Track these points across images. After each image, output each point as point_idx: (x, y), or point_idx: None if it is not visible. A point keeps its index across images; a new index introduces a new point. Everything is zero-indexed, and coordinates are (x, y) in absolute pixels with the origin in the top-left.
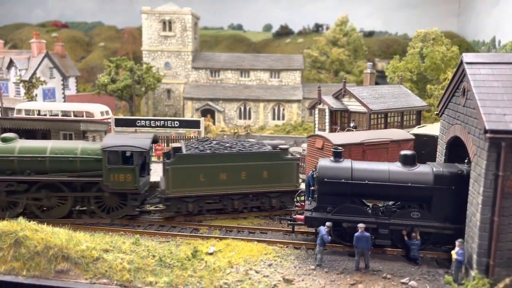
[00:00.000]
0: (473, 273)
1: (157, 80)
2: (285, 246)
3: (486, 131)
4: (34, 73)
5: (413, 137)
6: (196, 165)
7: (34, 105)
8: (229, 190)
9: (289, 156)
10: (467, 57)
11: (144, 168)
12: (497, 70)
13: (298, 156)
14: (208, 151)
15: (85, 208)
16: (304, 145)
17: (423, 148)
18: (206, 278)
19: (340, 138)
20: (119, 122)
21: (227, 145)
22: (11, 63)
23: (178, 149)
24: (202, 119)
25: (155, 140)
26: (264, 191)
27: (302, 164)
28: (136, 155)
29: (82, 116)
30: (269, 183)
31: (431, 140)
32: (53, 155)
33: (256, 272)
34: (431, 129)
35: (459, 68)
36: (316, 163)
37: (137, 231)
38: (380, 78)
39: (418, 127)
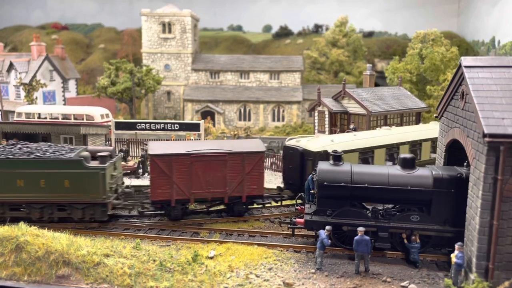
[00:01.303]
0: (472, 276)
1: (157, 82)
2: (285, 250)
3: (484, 135)
4: (34, 75)
5: (263, 150)
6: None
7: (34, 108)
8: (27, 198)
9: (92, 165)
10: (466, 60)
11: None
12: (496, 74)
13: (102, 166)
14: (2, 156)
15: None
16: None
17: (290, 163)
18: (207, 282)
19: (161, 147)
20: (119, 125)
21: (28, 150)
22: (11, 66)
23: None
24: (201, 122)
25: None
26: (68, 201)
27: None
28: None
29: (82, 119)
30: (72, 193)
31: (296, 154)
32: None
33: (257, 276)
34: (301, 141)
35: (457, 72)
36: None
37: (138, 235)
38: (379, 78)
39: (290, 139)
